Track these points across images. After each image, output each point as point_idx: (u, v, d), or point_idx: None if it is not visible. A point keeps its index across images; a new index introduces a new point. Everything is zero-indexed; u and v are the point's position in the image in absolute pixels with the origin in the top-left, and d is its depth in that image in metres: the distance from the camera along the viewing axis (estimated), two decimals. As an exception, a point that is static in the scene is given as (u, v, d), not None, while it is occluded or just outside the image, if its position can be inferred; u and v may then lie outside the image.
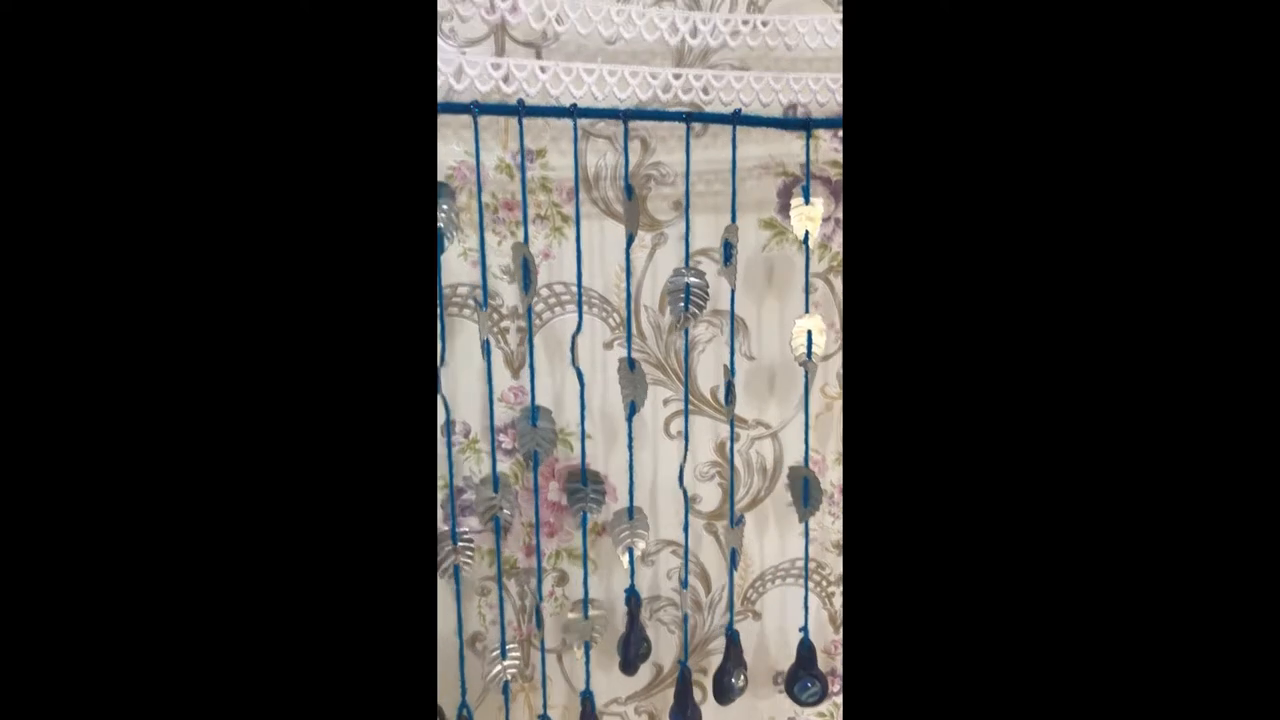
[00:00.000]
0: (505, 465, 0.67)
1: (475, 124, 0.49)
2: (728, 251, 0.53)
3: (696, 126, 0.59)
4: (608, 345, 0.67)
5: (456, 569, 0.54)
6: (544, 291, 0.65)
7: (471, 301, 0.64)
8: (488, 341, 0.55)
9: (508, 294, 0.65)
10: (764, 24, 0.55)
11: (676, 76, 0.54)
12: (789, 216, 0.67)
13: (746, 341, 0.69)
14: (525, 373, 0.65)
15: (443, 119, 0.54)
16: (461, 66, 0.49)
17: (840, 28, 0.57)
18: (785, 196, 0.67)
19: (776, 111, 0.58)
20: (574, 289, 0.65)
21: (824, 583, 0.75)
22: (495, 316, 0.65)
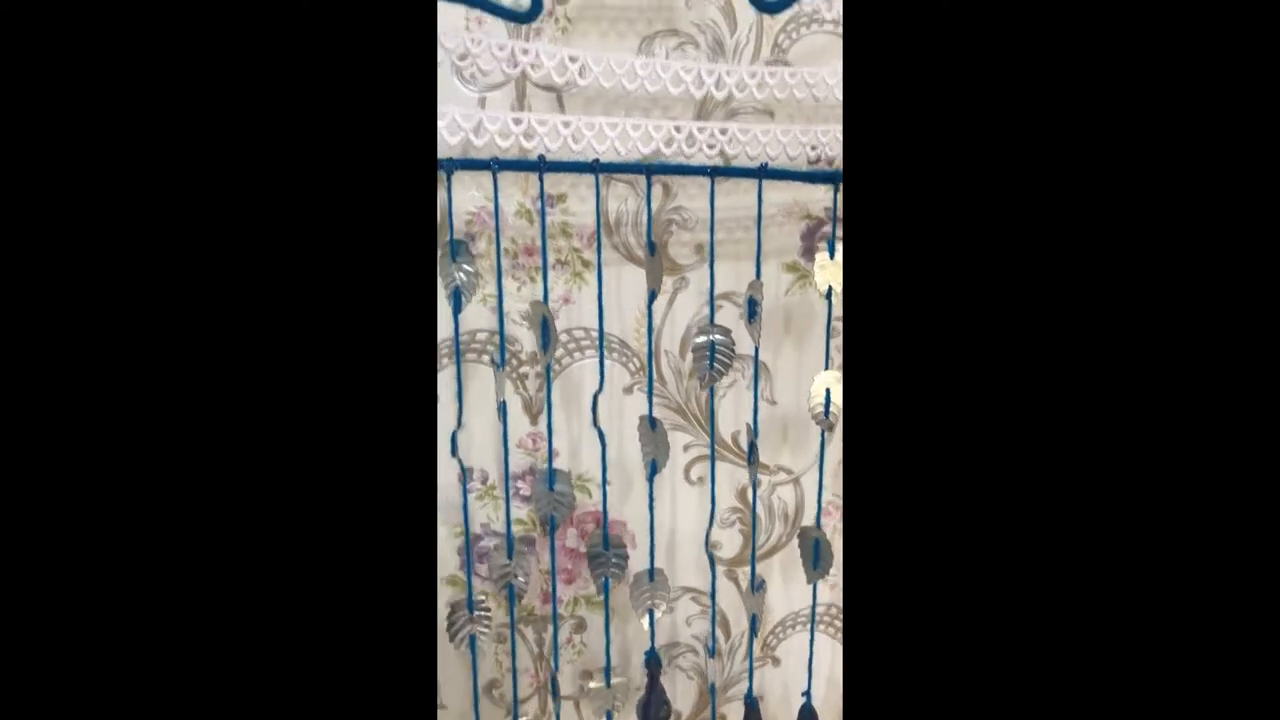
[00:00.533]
0: (523, 512, 0.66)
1: (495, 180, 0.48)
2: (752, 308, 0.52)
3: (719, 173, 0.58)
4: (627, 390, 0.66)
5: (473, 639, 0.54)
6: (563, 337, 0.64)
7: (490, 348, 0.63)
8: (504, 404, 0.53)
9: (526, 339, 0.64)
10: (790, 76, 0.54)
11: (701, 129, 0.53)
12: (812, 260, 0.67)
13: (768, 386, 0.67)
14: (543, 419, 0.64)
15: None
16: (482, 122, 0.48)
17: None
18: (809, 240, 0.66)
19: (802, 161, 0.57)
20: (593, 334, 0.64)
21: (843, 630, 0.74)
22: (514, 363, 0.64)
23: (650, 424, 0.54)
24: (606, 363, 0.63)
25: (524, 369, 0.64)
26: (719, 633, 0.72)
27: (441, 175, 0.47)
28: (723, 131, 0.53)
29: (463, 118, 0.47)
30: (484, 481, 0.66)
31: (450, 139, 0.47)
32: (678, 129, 0.51)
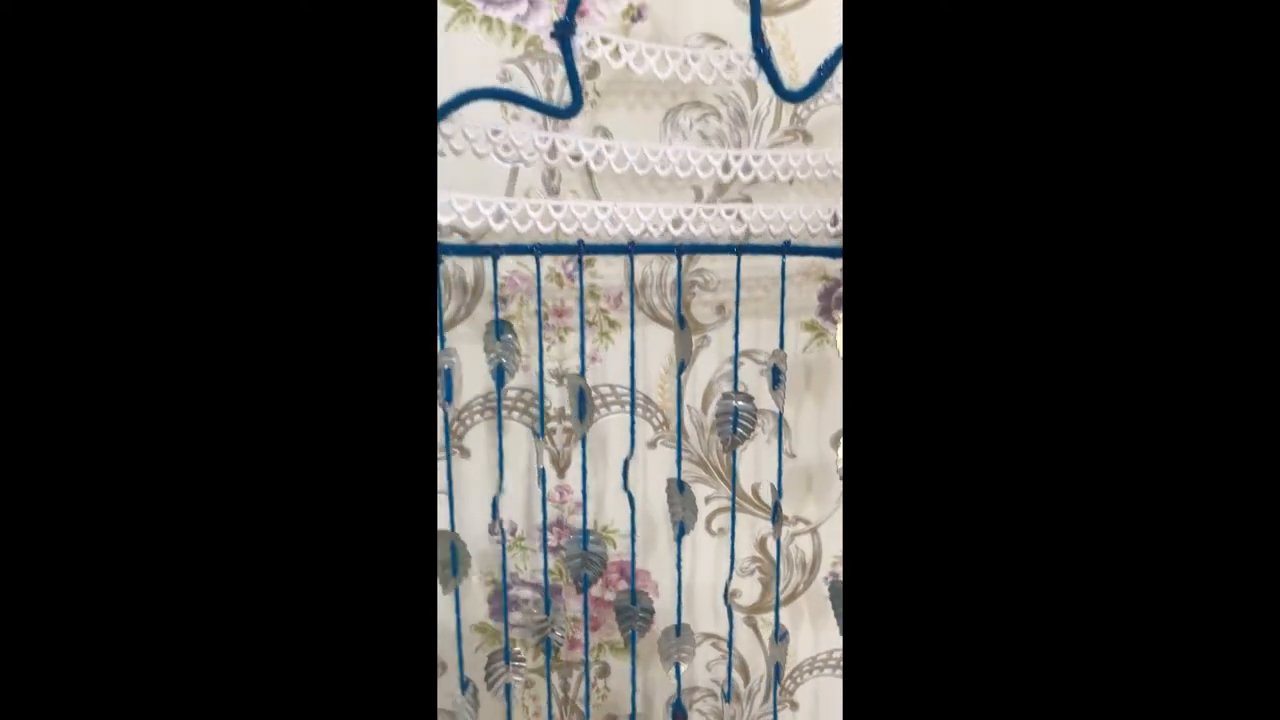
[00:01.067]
0: (550, 562, 0.68)
1: (538, 264, 0.51)
2: (775, 376, 0.55)
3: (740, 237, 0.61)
4: (651, 445, 0.68)
5: (508, 688, 0.56)
6: (590, 393, 0.67)
7: (520, 404, 0.66)
8: (543, 471, 0.56)
9: (554, 395, 0.66)
10: (812, 157, 0.57)
11: (728, 211, 0.55)
12: (828, 319, 0.69)
13: (787, 440, 0.70)
14: (569, 472, 0.67)
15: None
16: (525, 209, 0.50)
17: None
18: (825, 300, 0.69)
19: (821, 230, 0.59)
20: (619, 390, 0.67)
21: (860, 672, 0.76)
22: (542, 415, 0.66)
23: (679, 487, 0.56)
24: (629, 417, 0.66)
25: (551, 424, 0.67)
26: (738, 677, 0.74)
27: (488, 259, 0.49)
28: (746, 207, 0.55)
29: (507, 205, 0.50)
30: (512, 532, 0.68)
31: (496, 225, 0.50)
32: (707, 211, 0.54)
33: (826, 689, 0.75)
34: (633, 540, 0.59)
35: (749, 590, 0.72)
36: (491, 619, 0.70)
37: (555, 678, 0.70)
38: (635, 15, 0.62)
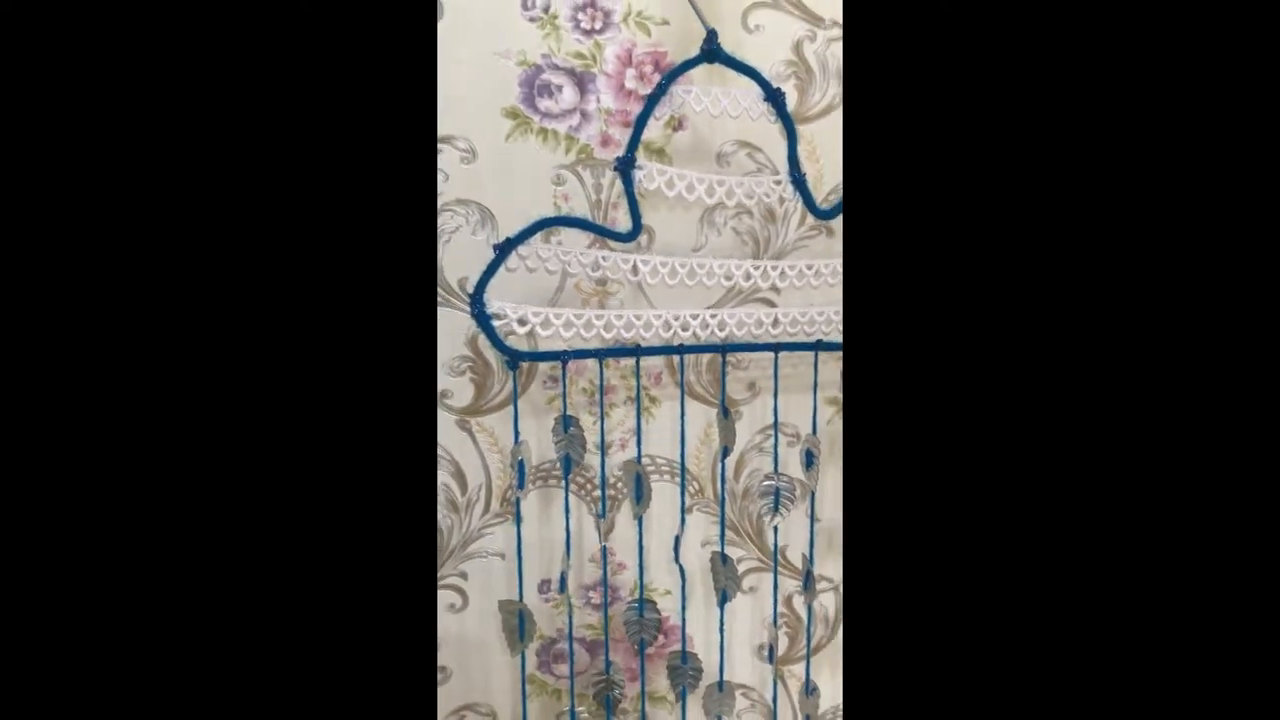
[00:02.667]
0: (593, 618, 0.73)
1: (600, 366, 0.57)
2: (810, 459, 0.61)
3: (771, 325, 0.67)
4: (688, 510, 0.74)
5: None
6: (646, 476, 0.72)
7: (557, 471, 0.72)
8: (605, 547, 0.62)
9: (595, 463, 0.72)
10: (825, 266, 0.63)
11: (768, 314, 0.62)
12: (850, 393, 0.75)
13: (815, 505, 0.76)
14: (613, 535, 0.72)
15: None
16: (590, 319, 0.57)
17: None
18: (847, 377, 0.75)
19: (840, 321, 0.66)
20: (658, 461, 0.72)
21: None
22: (589, 486, 0.72)
23: (722, 559, 0.62)
24: (672, 486, 0.72)
25: (597, 492, 0.73)
26: (766, 723, 0.79)
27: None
28: (775, 300, 0.62)
29: (575, 316, 0.56)
30: (559, 591, 0.74)
31: (565, 333, 0.56)
32: (749, 314, 0.60)
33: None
34: (683, 609, 0.65)
35: (778, 644, 0.78)
36: (538, 670, 0.75)
37: (598, 726, 0.75)
38: (677, 125, 0.69)
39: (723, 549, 0.63)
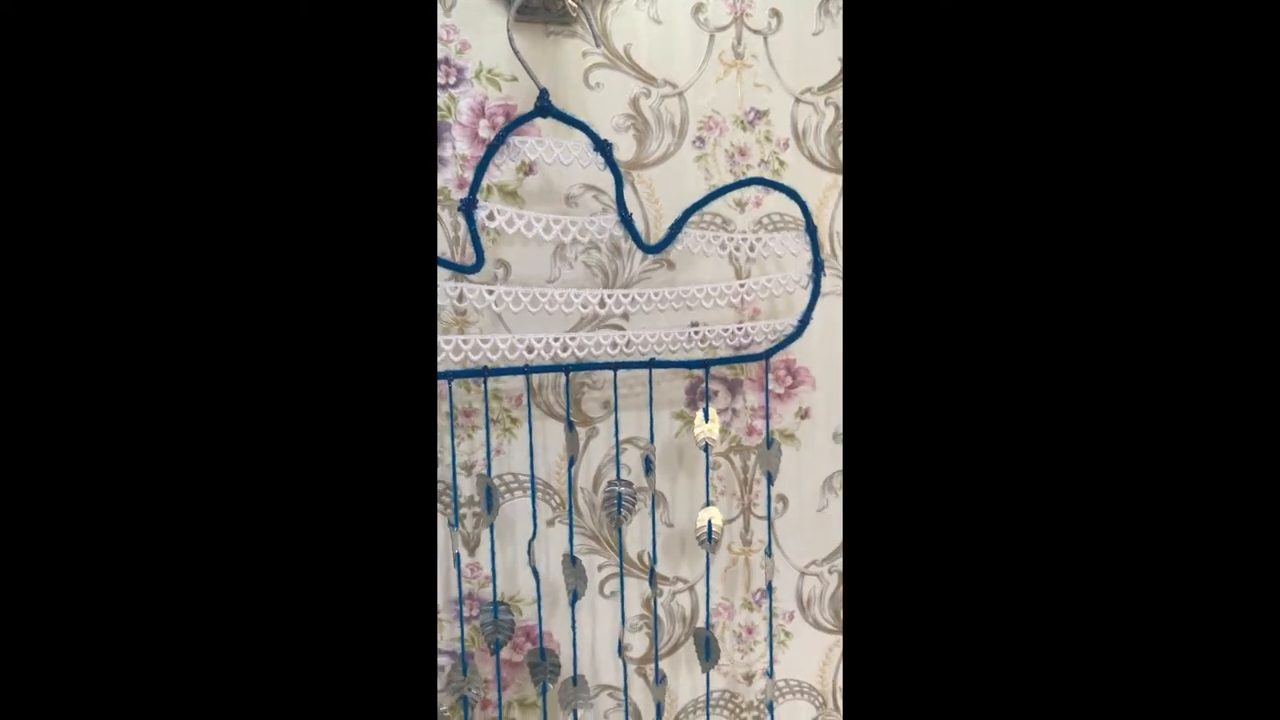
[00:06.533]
0: (465, 630, 0.77)
1: (450, 387, 0.63)
2: (648, 464, 0.68)
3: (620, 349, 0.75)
4: (549, 523, 0.80)
5: (434, 741, 0.65)
6: (495, 481, 0.78)
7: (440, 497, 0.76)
8: (459, 554, 0.66)
9: (465, 485, 0.77)
10: (670, 293, 0.71)
11: (609, 334, 0.69)
12: (695, 409, 0.83)
13: (665, 511, 0.83)
14: (479, 551, 0.77)
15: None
16: (458, 344, 0.62)
17: (735, 281, 0.75)
18: (692, 394, 0.83)
19: (688, 334, 0.74)
20: (521, 478, 0.78)
21: (738, 709, 0.89)
22: (452, 508, 0.77)
23: (572, 560, 0.68)
24: (530, 501, 0.77)
25: (463, 510, 0.77)
26: (633, 721, 0.84)
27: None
28: (622, 329, 0.69)
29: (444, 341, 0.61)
30: (430, 607, 0.77)
31: (455, 357, 0.62)
32: (589, 335, 0.68)
33: (709, 725, 0.87)
34: (539, 607, 0.70)
35: (639, 644, 0.84)
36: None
37: (470, 736, 0.79)
38: (528, 170, 0.76)
39: (571, 552, 0.69)
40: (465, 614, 0.77)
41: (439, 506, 0.76)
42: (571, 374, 0.77)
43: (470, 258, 0.69)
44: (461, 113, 0.74)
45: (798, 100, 0.83)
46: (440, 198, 0.74)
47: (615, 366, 0.67)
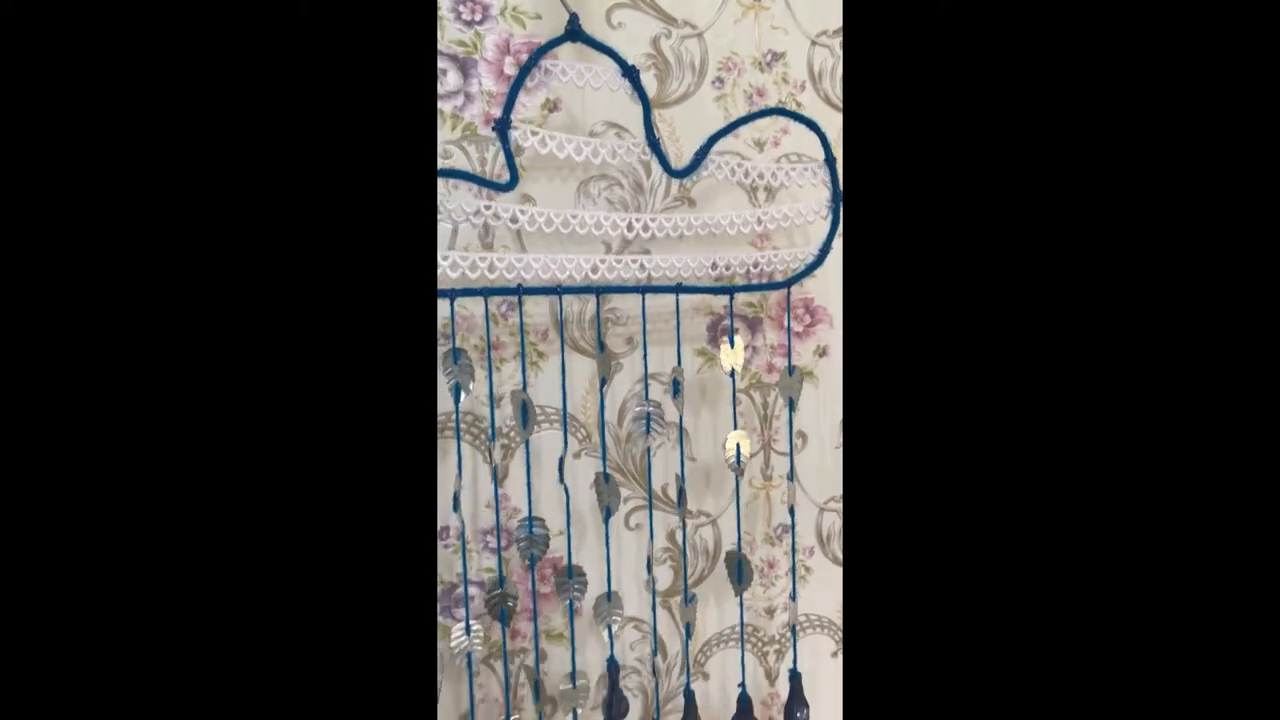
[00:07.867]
0: (491, 561, 0.79)
1: (486, 304, 0.64)
2: (676, 386, 0.70)
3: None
4: (576, 455, 0.81)
5: (470, 655, 0.66)
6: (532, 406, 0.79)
7: (462, 425, 0.77)
8: (496, 468, 0.68)
9: (486, 413, 0.78)
10: (695, 218, 0.73)
11: (635, 260, 0.70)
12: (716, 346, 0.85)
13: (689, 446, 0.84)
14: (507, 482, 0.78)
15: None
16: (475, 261, 0.64)
17: (755, 215, 0.76)
18: (713, 331, 0.84)
19: (706, 272, 0.75)
20: (548, 411, 0.79)
21: (760, 644, 0.90)
22: (483, 437, 0.78)
23: (605, 479, 0.69)
24: (559, 434, 0.79)
25: (492, 442, 0.79)
26: (658, 655, 0.86)
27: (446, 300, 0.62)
28: (647, 257, 0.70)
29: (461, 258, 0.63)
30: (458, 537, 0.79)
31: (451, 274, 0.63)
32: (617, 260, 0.69)
33: (732, 660, 0.88)
34: (568, 525, 0.71)
35: (663, 577, 0.85)
36: (440, 616, 0.80)
37: (497, 666, 0.80)
38: (552, 107, 0.77)
39: (605, 471, 0.71)
40: (490, 546, 0.78)
41: (469, 438, 0.77)
42: (599, 307, 0.79)
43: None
44: (487, 49, 0.75)
45: (814, 43, 0.85)
46: (467, 132, 0.75)
47: (644, 290, 0.69)
